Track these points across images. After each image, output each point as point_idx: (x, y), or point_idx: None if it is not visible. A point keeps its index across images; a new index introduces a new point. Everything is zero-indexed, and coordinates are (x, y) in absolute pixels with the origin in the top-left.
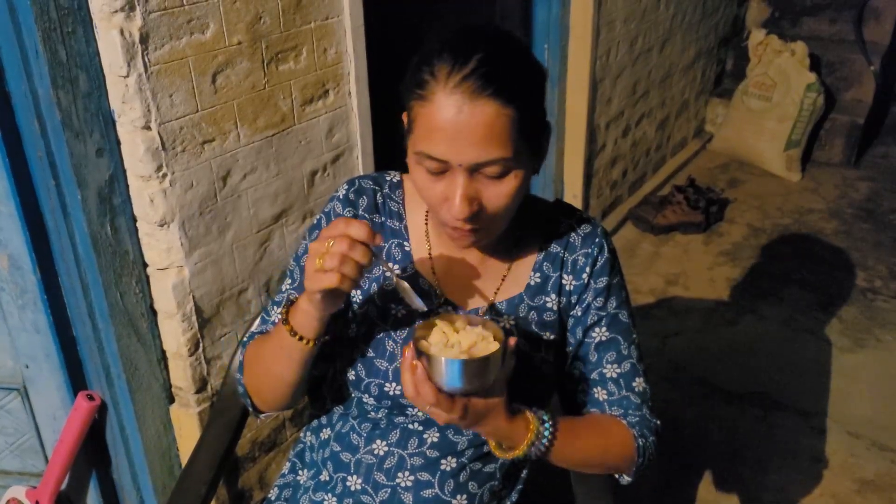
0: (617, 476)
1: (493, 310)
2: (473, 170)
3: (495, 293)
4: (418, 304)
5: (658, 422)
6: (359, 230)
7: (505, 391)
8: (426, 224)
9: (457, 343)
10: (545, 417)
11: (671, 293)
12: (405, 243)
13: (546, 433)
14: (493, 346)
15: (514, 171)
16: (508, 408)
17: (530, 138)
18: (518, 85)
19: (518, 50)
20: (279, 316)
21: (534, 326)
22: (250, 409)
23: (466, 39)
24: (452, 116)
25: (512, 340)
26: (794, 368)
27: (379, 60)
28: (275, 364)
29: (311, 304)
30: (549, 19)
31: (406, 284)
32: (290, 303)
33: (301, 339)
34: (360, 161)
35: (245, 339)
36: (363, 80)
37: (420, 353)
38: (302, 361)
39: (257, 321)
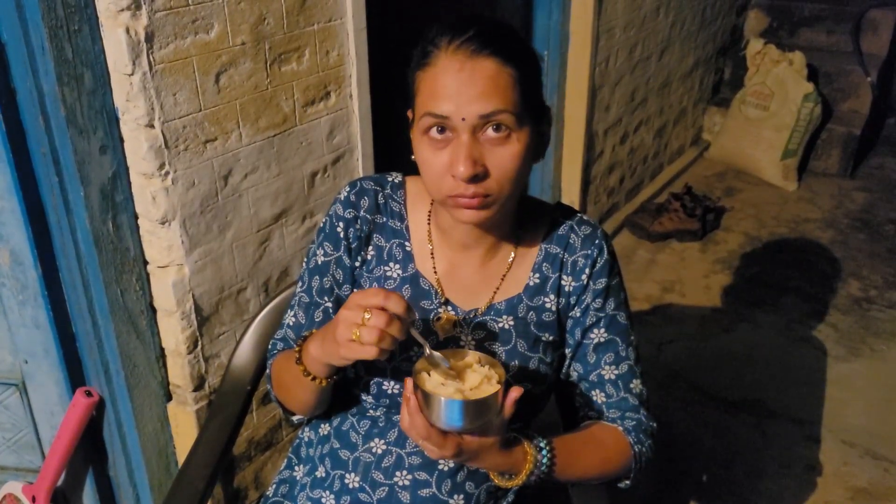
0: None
1: (491, 310)
2: (476, 129)
3: (495, 293)
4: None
5: (654, 424)
6: (397, 304)
7: (502, 433)
8: (428, 224)
9: (456, 380)
10: (542, 444)
11: (667, 300)
12: (406, 243)
13: (544, 459)
14: (494, 388)
15: (516, 134)
16: (503, 440)
17: (531, 107)
18: (515, 49)
19: (513, 29)
20: (293, 342)
21: (532, 327)
22: (283, 412)
23: (464, 18)
24: (455, 73)
25: (516, 391)
26: (788, 376)
27: (381, 64)
28: (295, 388)
29: (325, 357)
30: (550, 26)
31: (437, 355)
32: (304, 339)
33: (314, 379)
34: (361, 163)
35: (271, 347)
36: (365, 83)
37: (417, 388)
38: (318, 392)
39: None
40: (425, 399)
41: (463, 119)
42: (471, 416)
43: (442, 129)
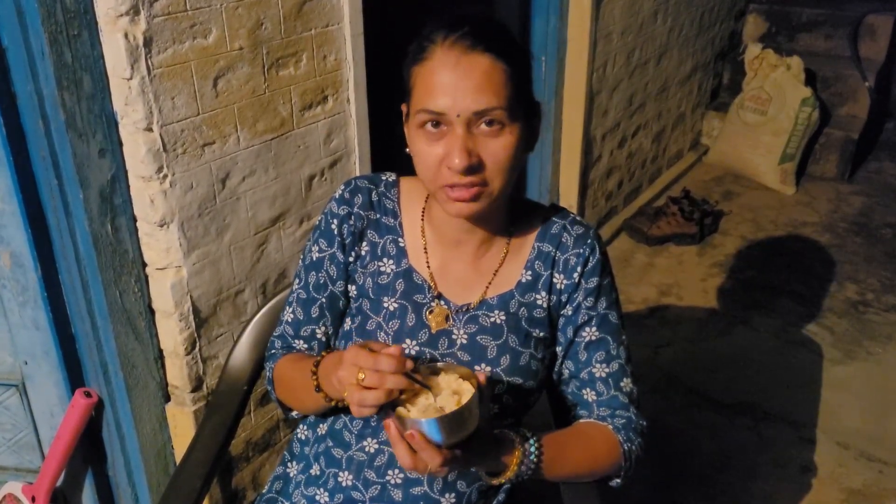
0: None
1: (484, 305)
2: (471, 123)
3: (487, 288)
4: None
5: (644, 422)
6: (388, 364)
7: (490, 430)
8: (422, 220)
9: (442, 398)
10: (528, 435)
11: (664, 303)
12: (400, 239)
13: (532, 450)
14: (468, 396)
15: (508, 127)
16: (492, 438)
17: (523, 102)
18: (507, 46)
19: (505, 26)
20: (291, 339)
21: (524, 322)
22: (281, 409)
23: (459, 15)
24: (450, 69)
25: (481, 376)
26: (784, 379)
27: (378, 68)
28: (306, 399)
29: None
30: (547, 32)
31: (435, 388)
32: (317, 362)
33: (335, 403)
34: (358, 167)
35: (269, 346)
36: (362, 87)
37: (394, 418)
38: (331, 406)
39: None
40: (403, 426)
41: (458, 115)
42: (449, 430)
43: (437, 124)
